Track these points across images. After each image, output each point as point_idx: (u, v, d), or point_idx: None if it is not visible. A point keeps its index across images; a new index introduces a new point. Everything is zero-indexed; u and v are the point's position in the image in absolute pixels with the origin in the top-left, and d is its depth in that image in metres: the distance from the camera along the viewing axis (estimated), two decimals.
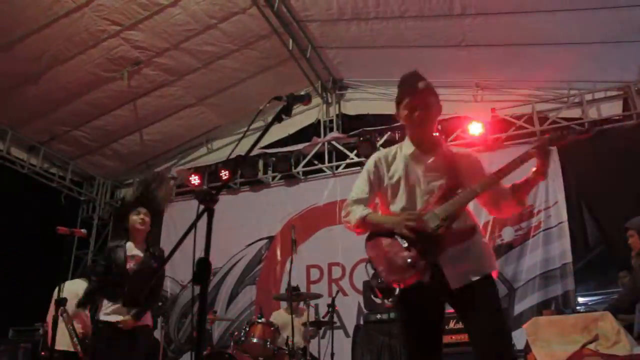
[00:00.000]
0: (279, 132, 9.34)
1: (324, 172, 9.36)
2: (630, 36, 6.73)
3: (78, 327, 6.07)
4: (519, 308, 7.45)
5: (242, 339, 6.23)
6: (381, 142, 8.77)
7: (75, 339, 6.01)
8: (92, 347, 4.95)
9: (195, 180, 9.64)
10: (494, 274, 2.86)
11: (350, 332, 7.63)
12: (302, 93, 2.48)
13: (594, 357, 5.38)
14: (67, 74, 8.04)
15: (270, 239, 9.25)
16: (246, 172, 9.46)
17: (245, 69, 8.56)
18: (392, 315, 6.08)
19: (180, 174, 9.99)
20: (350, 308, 8.16)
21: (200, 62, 8.28)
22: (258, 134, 2.55)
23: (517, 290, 7.56)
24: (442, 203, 2.84)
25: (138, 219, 4.91)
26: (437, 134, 3.27)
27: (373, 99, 9.30)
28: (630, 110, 7.69)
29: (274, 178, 9.61)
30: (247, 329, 6.30)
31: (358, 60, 8.73)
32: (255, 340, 6.17)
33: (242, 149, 2.65)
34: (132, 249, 4.89)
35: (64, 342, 5.94)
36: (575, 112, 8.04)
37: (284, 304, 7.70)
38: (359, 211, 3.02)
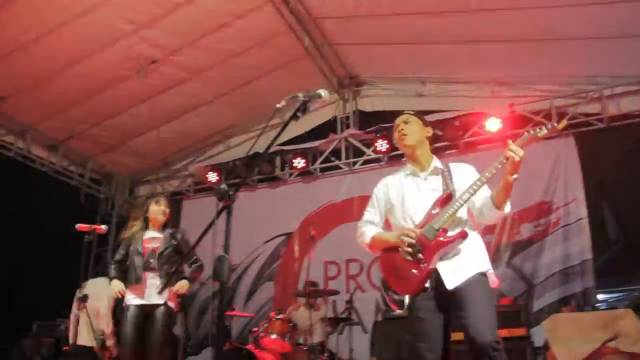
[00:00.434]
0: (295, 129, 9.33)
1: (341, 168, 9.36)
2: None
3: (98, 323, 6.16)
4: (538, 305, 7.40)
5: (261, 334, 6.26)
6: None
7: (91, 334, 6.09)
8: (118, 330, 5.18)
9: (213, 177, 9.67)
10: (490, 275, 3.21)
11: (368, 328, 7.64)
12: (318, 91, 2.50)
13: (615, 355, 5.34)
14: (85, 73, 8.09)
15: (288, 235, 9.28)
16: (264, 169, 9.49)
17: (262, 66, 8.56)
18: None
19: (198, 171, 10.04)
20: (368, 304, 8.16)
21: (217, 60, 8.29)
22: (275, 131, 2.58)
23: (536, 287, 7.51)
24: (438, 215, 3.19)
25: (160, 209, 5.16)
26: (431, 153, 3.57)
27: (390, 95, 9.27)
28: None
29: (291, 175, 9.62)
30: (266, 325, 6.34)
31: (374, 56, 8.70)
32: (273, 336, 6.21)
33: (259, 146, 2.68)
34: (150, 233, 5.16)
35: (85, 337, 6.04)
36: (594, 108, 7.93)
37: (302, 300, 7.73)
38: (369, 231, 3.52)
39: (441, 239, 3.13)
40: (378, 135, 8.70)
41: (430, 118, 8.30)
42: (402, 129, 3.52)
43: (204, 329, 9.22)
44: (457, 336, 3.30)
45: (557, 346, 5.72)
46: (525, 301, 7.25)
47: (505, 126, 8.01)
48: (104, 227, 5.22)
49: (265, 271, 9.29)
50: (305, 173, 9.47)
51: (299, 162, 9.23)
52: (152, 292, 4.93)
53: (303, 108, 2.43)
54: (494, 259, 7.63)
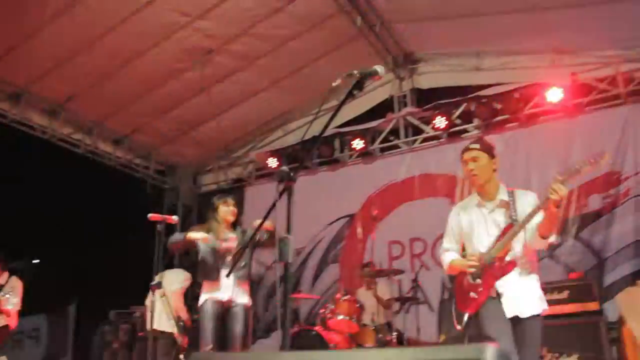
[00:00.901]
0: (353, 110, 9.31)
1: (401, 147, 9.28)
2: None
3: (173, 309, 6.37)
4: (609, 279, 7.15)
5: (328, 316, 6.33)
6: (457, 113, 8.55)
7: (171, 321, 6.31)
8: (197, 322, 5.38)
9: (273, 162, 9.77)
10: (542, 313, 3.56)
11: (435, 306, 7.61)
12: (374, 67, 2.48)
13: None
14: (144, 68, 8.31)
15: (350, 217, 9.29)
16: (323, 152, 9.50)
17: (316, 49, 8.56)
18: None
19: (259, 157, 10.16)
20: (433, 282, 8.10)
21: (271, 46, 8.33)
22: (332, 113, 2.57)
23: (606, 261, 7.26)
24: (497, 244, 3.55)
25: (229, 209, 5.34)
26: (498, 182, 3.80)
27: (446, 71, 9.10)
28: None
29: (350, 156, 9.60)
30: (332, 306, 6.39)
31: (429, 32, 8.54)
32: (340, 317, 6.26)
33: (317, 129, 2.69)
34: (223, 233, 5.29)
35: (160, 323, 6.26)
36: None
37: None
38: (447, 258, 3.89)
39: (496, 265, 3.53)
40: (436, 112, 8.59)
41: (488, 92, 8.23)
42: (472, 170, 3.70)
43: (272, 312, 9.37)
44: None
45: (634, 321, 5.55)
46: (596, 275, 7.06)
47: (567, 96, 7.76)
48: (175, 217, 5.39)
49: (329, 254, 9.34)
50: (364, 154, 9.42)
51: (358, 143, 9.20)
52: (230, 289, 5.07)
53: (359, 85, 2.42)
54: (561, 232, 7.46)
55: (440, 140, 8.83)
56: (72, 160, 9.92)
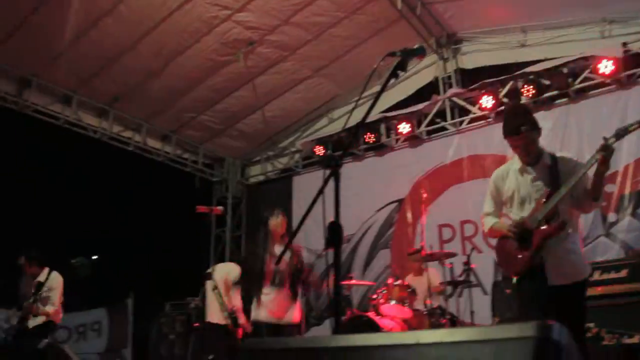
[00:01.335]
0: (397, 94, 9.24)
1: (447, 129, 9.14)
2: None
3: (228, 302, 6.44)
4: None
5: (380, 302, 6.32)
6: (504, 92, 8.37)
7: (225, 313, 6.39)
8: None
9: (319, 151, 9.79)
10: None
11: (488, 289, 7.50)
12: (416, 46, 2.44)
13: None
14: (187, 64, 8.44)
15: (400, 201, 9.23)
16: (369, 138, 9.43)
17: (357, 35, 8.52)
18: None
19: (305, 146, 10.20)
20: (486, 265, 7.96)
21: (311, 34, 8.34)
22: (376, 96, 2.55)
23: None
24: (542, 207, 3.57)
25: (278, 222, 5.43)
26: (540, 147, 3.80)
27: (491, 50, 8.91)
28: None
29: (397, 141, 9.52)
30: (384, 291, 6.38)
31: (470, 10, 8.39)
32: (393, 302, 6.25)
33: (362, 115, 2.68)
34: (273, 248, 5.40)
35: (213, 316, 6.34)
36: None
37: (422, 266, 7.70)
38: (488, 222, 3.98)
39: (543, 227, 3.54)
40: (482, 91, 8.43)
41: (535, 68, 8.02)
42: (522, 151, 3.71)
43: (324, 300, 9.41)
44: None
45: None
46: None
47: (619, 67, 7.48)
48: (220, 207, 5.49)
49: (380, 239, 9.31)
50: (411, 138, 9.32)
51: (404, 127, 9.12)
52: (280, 308, 5.25)
53: (402, 65, 2.38)
54: (617, 209, 7.25)
55: (488, 120, 8.66)
56: (123, 158, 10.18)
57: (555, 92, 8.00)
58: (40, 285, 6.46)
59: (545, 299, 3.47)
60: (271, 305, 5.22)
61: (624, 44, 7.47)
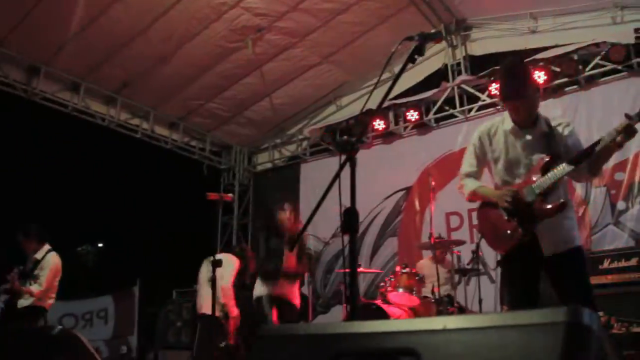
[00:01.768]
0: (406, 81, 9.16)
1: (456, 117, 9.09)
2: None
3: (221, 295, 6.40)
4: None
5: (388, 289, 6.32)
6: None
7: (219, 306, 6.35)
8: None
9: (327, 138, 9.78)
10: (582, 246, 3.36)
11: (495, 277, 7.49)
12: (434, 30, 2.41)
13: None
14: (195, 50, 8.42)
15: (407, 189, 9.20)
16: (377, 125, 9.40)
17: (366, 22, 8.45)
18: None
19: (313, 133, 10.17)
20: (493, 253, 7.87)
21: (320, 21, 8.28)
22: (386, 86, 2.52)
23: None
24: (540, 177, 3.23)
25: (287, 217, 5.55)
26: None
27: (500, 36, 8.82)
28: None
29: (405, 128, 9.48)
30: (392, 279, 6.38)
31: None
32: (400, 290, 6.24)
33: (371, 103, 2.65)
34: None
35: (207, 307, 6.30)
36: None
37: (426, 253, 7.70)
38: (470, 184, 3.59)
39: (542, 206, 3.20)
40: (492, 78, 8.37)
41: (545, 55, 7.95)
42: (523, 114, 3.36)
43: (331, 288, 9.43)
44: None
45: None
46: None
47: (631, 54, 7.41)
48: (230, 195, 5.55)
49: (387, 227, 9.29)
50: (419, 125, 9.30)
51: (413, 115, 9.09)
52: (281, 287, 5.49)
53: (419, 49, 2.35)
54: (626, 197, 7.21)
55: (497, 107, 8.60)
56: (130, 145, 10.21)
57: (565, 79, 7.94)
58: (37, 262, 6.13)
59: (537, 277, 3.28)
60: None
61: (636, 30, 7.37)
